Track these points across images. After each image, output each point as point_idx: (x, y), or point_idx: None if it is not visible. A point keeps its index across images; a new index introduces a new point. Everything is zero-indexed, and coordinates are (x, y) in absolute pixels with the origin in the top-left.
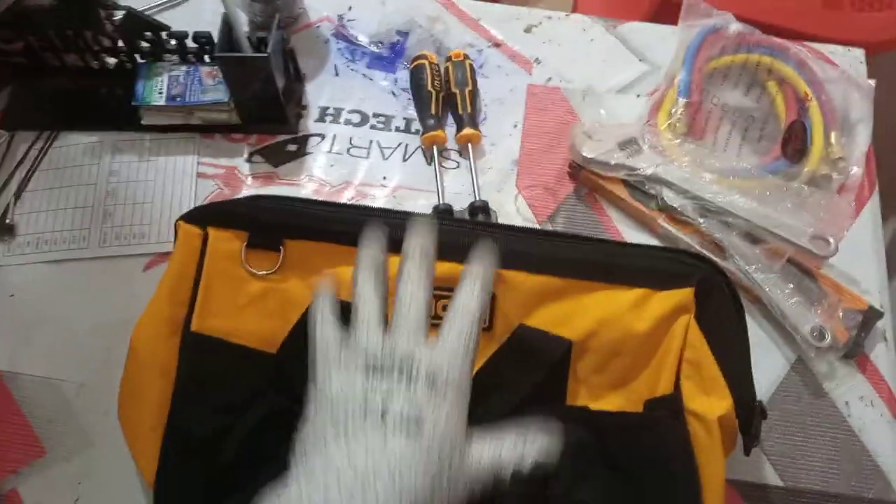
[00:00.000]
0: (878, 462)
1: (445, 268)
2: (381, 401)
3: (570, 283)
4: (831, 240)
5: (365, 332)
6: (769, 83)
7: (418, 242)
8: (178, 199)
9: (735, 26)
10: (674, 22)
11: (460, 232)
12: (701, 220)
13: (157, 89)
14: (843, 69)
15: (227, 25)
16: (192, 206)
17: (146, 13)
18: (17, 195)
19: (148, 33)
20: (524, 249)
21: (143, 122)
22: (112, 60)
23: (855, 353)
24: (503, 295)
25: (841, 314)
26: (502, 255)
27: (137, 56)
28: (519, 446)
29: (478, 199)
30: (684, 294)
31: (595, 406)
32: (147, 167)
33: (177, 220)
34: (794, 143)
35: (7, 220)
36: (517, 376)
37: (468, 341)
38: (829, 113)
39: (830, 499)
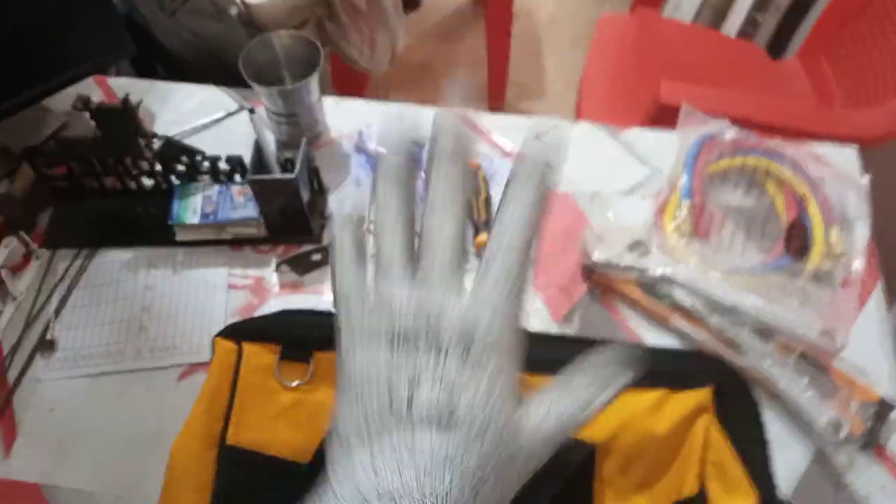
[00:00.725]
0: None
1: None
2: (408, 383)
3: None
4: (838, 336)
5: (389, 283)
6: (767, 184)
7: (451, 138)
8: (210, 310)
9: (730, 133)
10: (672, 125)
11: None
12: (711, 319)
13: (191, 208)
14: (838, 169)
15: (258, 149)
16: (223, 317)
17: (181, 138)
18: (58, 312)
19: (184, 157)
20: (544, 354)
21: (177, 239)
22: (149, 182)
23: (872, 443)
24: None
25: (854, 406)
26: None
27: (173, 177)
28: (587, 393)
29: None
30: (703, 394)
31: None
32: (180, 280)
33: (214, 337)
34: (796, 241)
35: (48, 337)
36: (541, 483)
37: (514, 283)
38: (828, 211)
39: None
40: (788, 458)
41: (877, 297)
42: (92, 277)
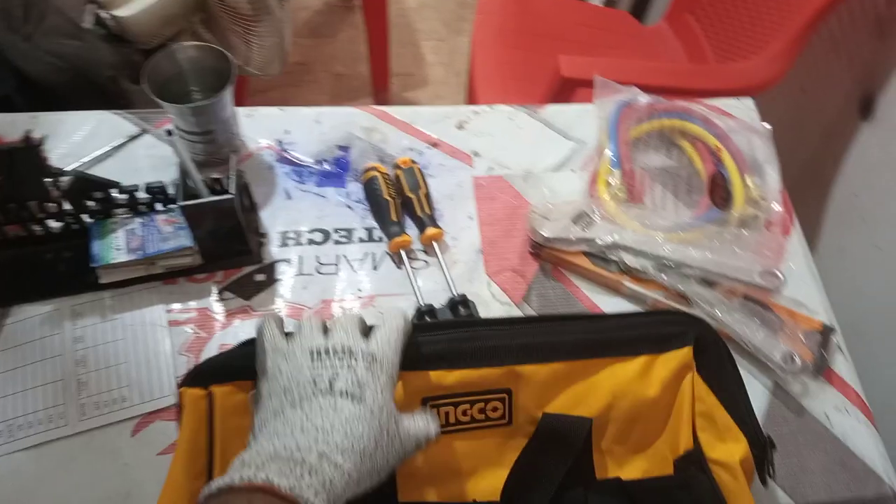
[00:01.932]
0: (867, 462)
1: (456, 376)
2: (329, 378)
3: (578, 365)
4: (778, 272)
5: (308, 331)
6: (683, 143)
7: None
8: (154, 352)
9: (643, 98)
10: (571, 99)
11: (459, 338)
12: (663, 276)
13: (114, 246)
14: (741, 119)
15: (183, 173)
16: (171, 357)
17: (85, 171)
18: None
19: (97, 192)
20: (526, 342)
21: (101, 282)
22: (56, 224)
23: (822, 368)
24: (520, 390)
25: (802, 337)
26: (511, 351)
27: (85, 216)
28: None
29: (455, 293)
30: (684, 353)
31: (623, 473)
32: (113, 326)
33: (179, 387)
34: (719, 192)
35: None
36: (553, 462)
37: (398, 336)
38: (740, 159)
39: None
40: (752, 396)
41: (797, 235)
42: (9, 338)
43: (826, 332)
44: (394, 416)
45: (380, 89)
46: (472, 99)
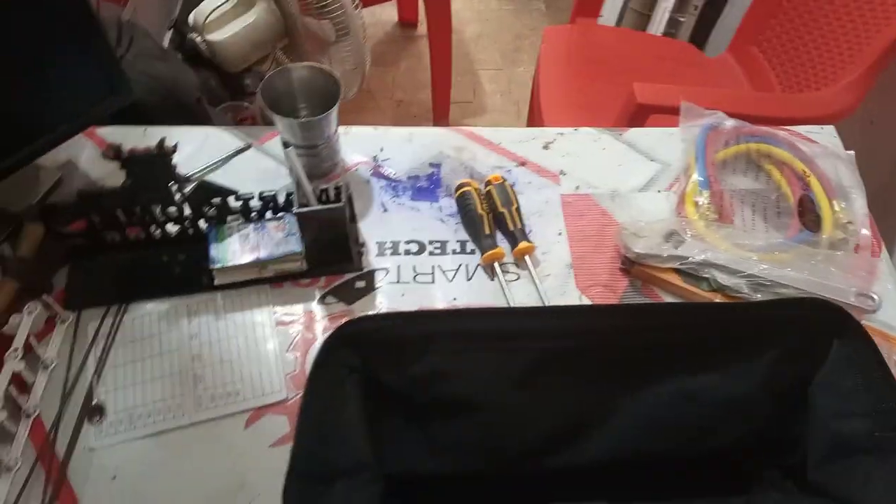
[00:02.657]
0: None
1: None
2: None
3: None
4: (875, 295)
5: None
6: (769, 167)
7: None
8: (263, 350)
9: (729, 122)
10: (643, 124)
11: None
12: (757, 296)
13: (230, 250)
14: (825, 145)
15: (298, 184)
16: (277, 357)
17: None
18: (98, 374)
19: (215, 199)
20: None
21: (216, 283)
22: (173, 228)
23: None
24: None
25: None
26: None
27: (201, 221)
28: None
29: (546, 305)
30: None
31: None
32: (226, 325)
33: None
34: (809, 215)
35: (94, 402)
36: None
37: None
38: (827, 184)
39: None
40: None
41: (885, 258)
42: (128, 333)
43: None
44: None
45: (440, 116)
46: (534, 125)
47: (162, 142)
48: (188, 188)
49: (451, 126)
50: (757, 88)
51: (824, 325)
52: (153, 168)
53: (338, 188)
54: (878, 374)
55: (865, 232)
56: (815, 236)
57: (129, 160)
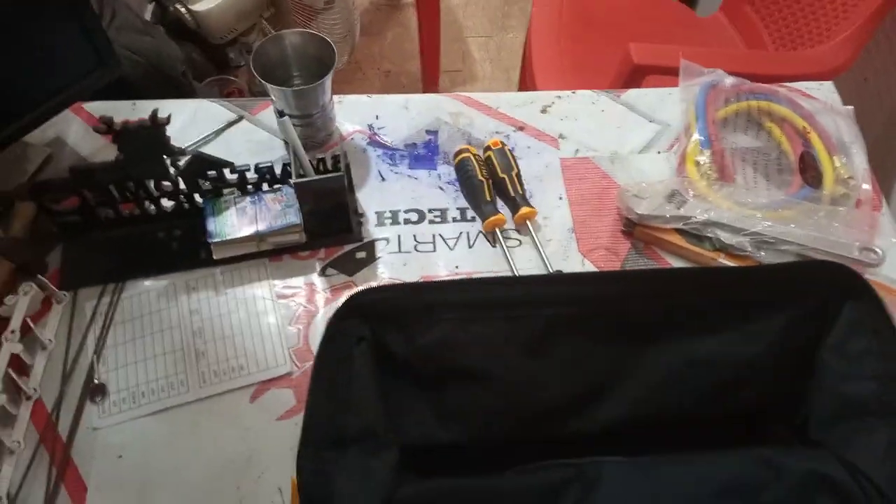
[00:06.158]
0: None
1: None
2: None
3: None
4: (878, 249)
5: None
6: (769, 124)
7: None
8: (266, 324)
9: (729, 80)
10: (640, 84)
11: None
12: (761, 253)
13: (228, 223)
14: (824, 101)
15: (294, 154)
16: (279, 331)
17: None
18: (98, 353)
19: (211, 172)
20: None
21: (215, 258)
22: (168, 203)
23: None
24: None
25: None
26: None
27: (197, 195)
28: None
29: (550, 269)
30: None
31: None
32: (227, 300)
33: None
34: (810, 171)
35: (95, 381)
36: None
37: None
38: (827, 140)
39: None
40: None
41: (886, 213)
42: (127, 311)
43: None
44: None
45: (430, 86)
46: (526, 91)
47: (155, 113)
48: (182, 161)
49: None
50: (750, 47)
51: (836, 288)
52: (146, 141)
53: (335, 157)
54: (888, 338)
55: (866, 187)
56: (816, 192)
57: (121, 133)
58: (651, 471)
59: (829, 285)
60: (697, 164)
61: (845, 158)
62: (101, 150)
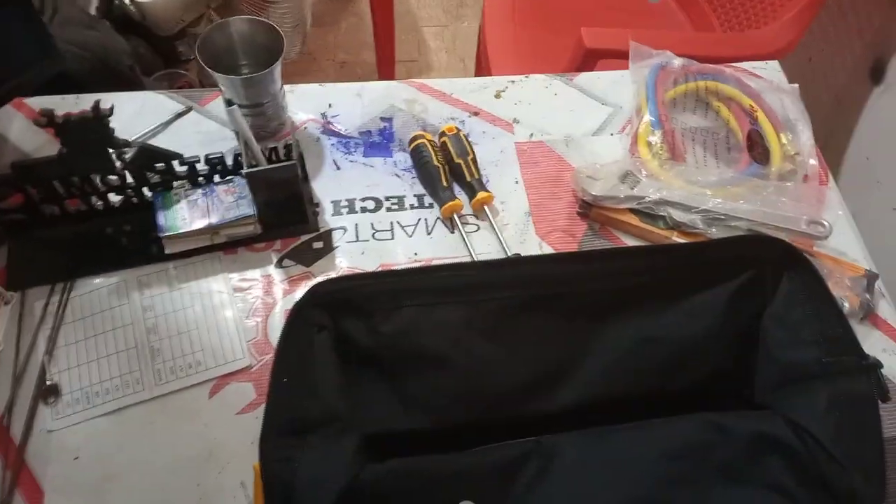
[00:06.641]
0: None
1: None
2: None
3: None
4: (825, 222)
5: None
6: (717, 103)
7: None
8: (223, 318)
9: (678, 61)
10: (592, 68)
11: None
12: (712, 230)
13: (179, 217)
14: (770, 80)
15: (245, 144)
16: (237, 324)
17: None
18: (50, 354)
19: (159, 165)
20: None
21: (167, 252)
22: (116, 198)
23: (868, 313)
24: None
25: (848, 283)
26: None
27: (145, 189)
28: None
29: (509, 253)
30: None
31: None
32: (181, 295)
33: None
34: (758, 149)
35: (48, 383)
36: None
37: None
38: (774, 118)
39: None
40: None
41: (833, 187)
42: (78, 310)
43: (870, 277)
44: None
45: (385, 76)
46: (479, 75)
47: (97, 104)
48: (129, 154)
49: None
50: (699, 30)
51: (774, 260)
52: (89, 134)
53: (287, 146)
54: (825, 304)
55: (813, 162)
56: (764, 169)
57: (63, 126)
58: (606, 439)
59: (768, 259)
60: (649, 144)
61: (791, 135)
62: (44, 146)
